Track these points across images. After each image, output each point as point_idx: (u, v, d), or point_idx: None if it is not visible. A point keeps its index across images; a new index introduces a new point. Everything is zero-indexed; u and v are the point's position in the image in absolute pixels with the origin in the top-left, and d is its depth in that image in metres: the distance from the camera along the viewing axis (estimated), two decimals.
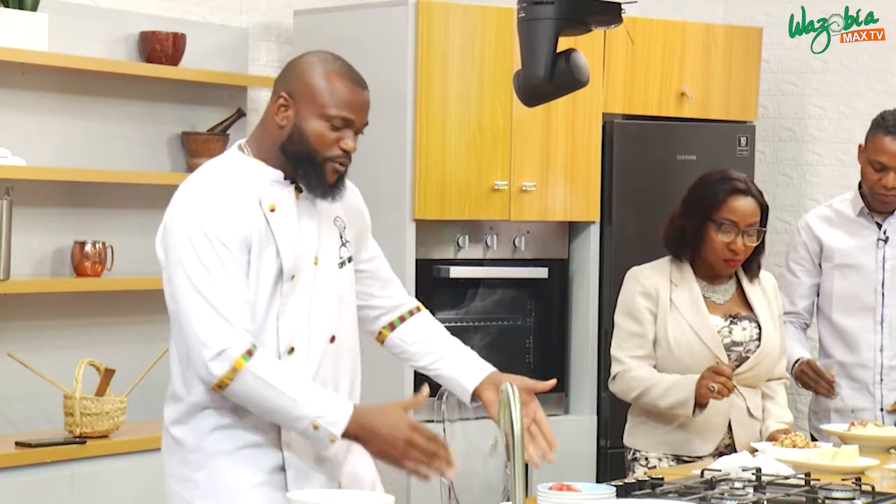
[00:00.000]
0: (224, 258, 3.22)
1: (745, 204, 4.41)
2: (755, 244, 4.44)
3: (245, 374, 3.18)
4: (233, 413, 3.30)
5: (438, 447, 3.24)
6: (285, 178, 3.34)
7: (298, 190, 3.35)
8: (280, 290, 3.28)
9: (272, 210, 3.29)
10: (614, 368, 4.46)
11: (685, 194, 4.53)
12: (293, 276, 3.29)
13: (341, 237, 3.43)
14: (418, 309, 3.67)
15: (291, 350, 3.30)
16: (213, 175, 3.34)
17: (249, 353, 3.19)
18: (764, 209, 4.45)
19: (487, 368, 3.63)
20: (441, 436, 3.31)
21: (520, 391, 3.19)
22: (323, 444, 3.25)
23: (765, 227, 4.45)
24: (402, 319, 3.64)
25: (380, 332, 3.64)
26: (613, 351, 4.47)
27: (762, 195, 4.48)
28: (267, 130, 3.36)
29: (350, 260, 3.46)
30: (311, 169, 3.30)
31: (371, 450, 3.27)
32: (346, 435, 3.22)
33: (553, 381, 3.55)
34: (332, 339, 3.38)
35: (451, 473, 3.26)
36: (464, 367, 3.61)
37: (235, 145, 3.41)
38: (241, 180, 3.31)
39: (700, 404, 4.29)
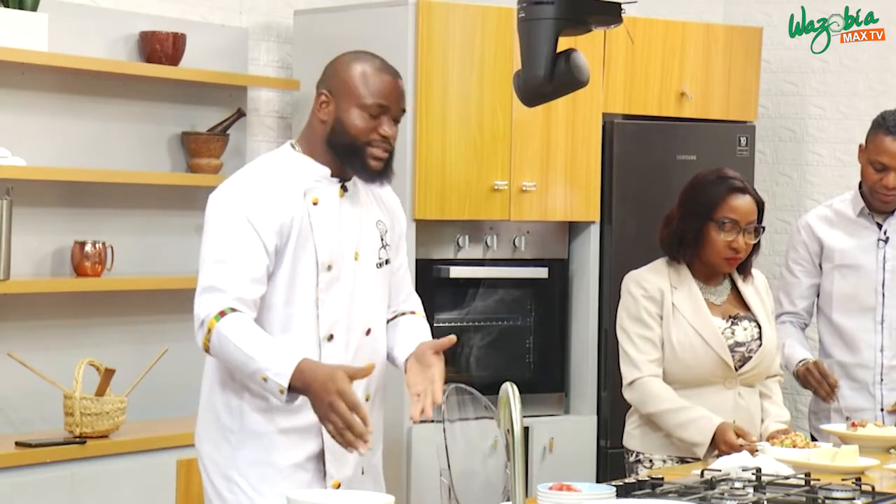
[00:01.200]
0: (245, 237, 3.41)
1: (744, 202, 4.42)
2: (755, 241, 4.44)
3: (214, 335, 3.37)
4: (273, 400, 3.43)
5: (353, 420, 3.27)
6: (332, 176, 3.56)
7: (344, 189, 3.57)
8: (318, 279, 3.48)
9: (315, 203, 3.51)
10: (631, 374, 4.42)
11: (680, 197, 4.52)
12: (330, 267, 3.49)
13: (382, 239, 3.65)
14: (412, 313, 3.81)
15: (331, 337, 3.50)
16: (262, 165, 3.57)
17: (222, 314, 3.37)
18: (761, 206, 4.46)
19: (415, 343, 3.68)
20: (364, 406, 3.34)
21: (425, 353, 3.49)
22: (278, 398, 3.35)
23: (762, 223, 4.46)
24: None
25: None
26: (631, 354, 4.42)
27: (757, 192, 4.49)
28: (313, 128, 3.59)
29: (388, 262, 3.67)
30: (354, 156, 3.52)
31: (311, 401, 3.35)
32: (293, 387, 3.32)
33: (452, 337, 3.59)
34: (369, 331, 3.59)
35: (362, 448, 3.29)
36: (403, 345, 3.69)
37: (287, 143, 3.64)
38: (289, 173, 3.53)
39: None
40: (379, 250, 3.64)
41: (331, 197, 3.55)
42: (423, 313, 3.84)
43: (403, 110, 3.59)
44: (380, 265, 3.63)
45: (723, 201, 4.42)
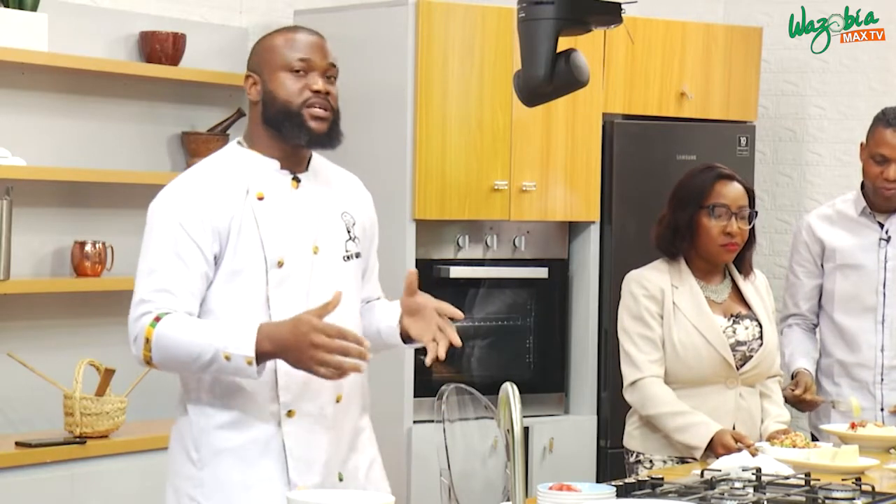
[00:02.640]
0: (178, 244, 3.29)
1: (732, 187, 4.45)
2: (748, 227, 4.45)
3: (155, 341, 3.25)
4: (233, 411, 3.34)
5: (344, 344, 3.17)
6: (282, 168, 3.42)
7: (296, 180, 3.43)
8: (268, 276, 3.33)
9: (260, 198, 3.36)
10: (632, 374, 4.41)
11: (671, 192, 4.54)
12: (281, 264, 3.34)
13: (349, 231, 3.49)
14: (377, 299, 3.68)
15: None
16: (202, 167, 3.44)
17: (157, 320, 3.25)
18: (751, 193, 4.48)
19: (393, 311, 3.58)
20: (348, 330, 3.22)
21: (408, 304, 3.42)
22: (248, 373, 3.22)
23: (754, 209, 4.47)
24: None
25: None
26: (632, 354, 4.42)
27: (746, 182, 4.52)
28: (251, 118, 3.46)
29: (358, 255, 3.52)
30: (291, 122, 3.37)
31: (289, 361, 3.24)
32: (262, 355, 3.21)
33: (413, 271, 3.53)
34: None
35: (364, 365, 3.22)
36: (387, 315, 3.58)
37: (234, 140, 3.51)
38: (231, 171, 3.39)
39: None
40: (346, 242, 3.47)
41: (280, 190, 3.39)
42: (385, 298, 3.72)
43: (333, 66, 3.42)
44: (347, 258, 3.48)
45: (711, 188, 4.44)
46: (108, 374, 4.86)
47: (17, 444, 4.68)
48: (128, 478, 4.78)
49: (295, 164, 3.45)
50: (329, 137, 3.41)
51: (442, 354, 3.37)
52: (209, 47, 5.52)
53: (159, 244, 3.31)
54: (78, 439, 4.75)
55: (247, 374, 3.23)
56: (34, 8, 4.91)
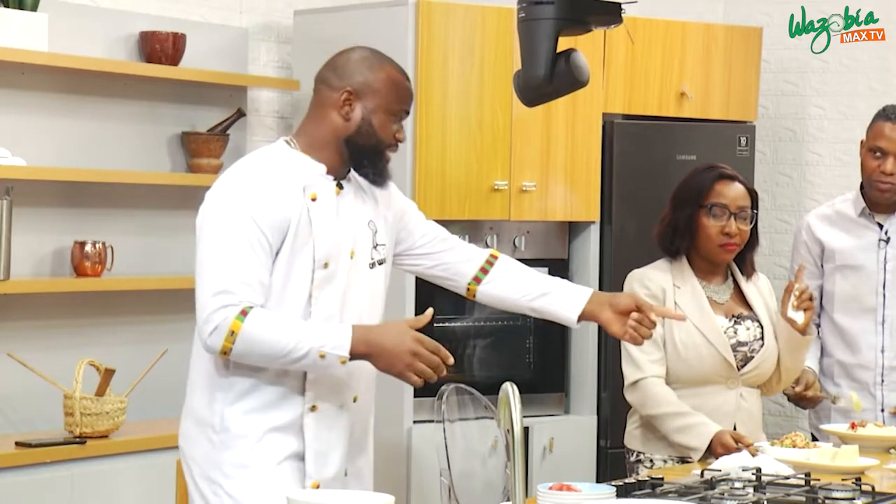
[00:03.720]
0: (252, 237, 3.39)
1: (732, 187, 4.45)
2: (748, 227, 4.45)
3: (244, 334, 3.34)
4: (260, 399, 3.44)
5: (438, 359, 3.40)
6: (328, 174, 3.52)
7: (339, 186, 3.54)
8: (314, 276, 3.44)
9: (314, 199, 3.47)
10: (633, 374, 4.41)
11: (673, 191, 4.54)
12: (326, 265, 3.46)
13: (373, 240, 3.61)
14: (494, 257, 3.84)
15: None
16: (259, 160, 3.52)
17: (244, 314, 3.35)
18: (753, 194, 4.48)
19: (584, 294, 3.79)
20: (443, 348, 3.45)
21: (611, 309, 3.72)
22: (337, 370, 3.40)
23: (756, 210, 4.47)
24: (484, 271, 3.82)
25: (468, 289, 3.83)
26: (633, 354, 4.41)
27: (749, 182, 4.51)
28: (323, 125, 3.54)
29: (381, 263, 3.64)
30: (374, 158, 3.54)
31: (378, 365, 3.43)
32: (355, 355, 3.37)
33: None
34: None
35: (444, 372, 3.45)
36: (562, 300, 3.79)
37: (281, 139, 3.58)
38: (286, 169, 3.48)
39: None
40: (371, 251, 3.60)
41: (329, 194, 3.51)
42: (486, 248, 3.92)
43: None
44: (372, 265, 3.60)
45: (711, 188, 4.44)
46: (108, 374, 4.86)
47: (17, 444, 4.68)
48: (128, 478, 4.78)
49: (339, 172, 3.56)
50: (388, 175, 3.62)
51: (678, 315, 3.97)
52: (209, 47, 5.52)
53: (230, 237, 3.39)
54: (78, 439, 4.75)
55: (335, 371, 3.41)
56: (34, 8, 4.91)
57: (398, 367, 3.40)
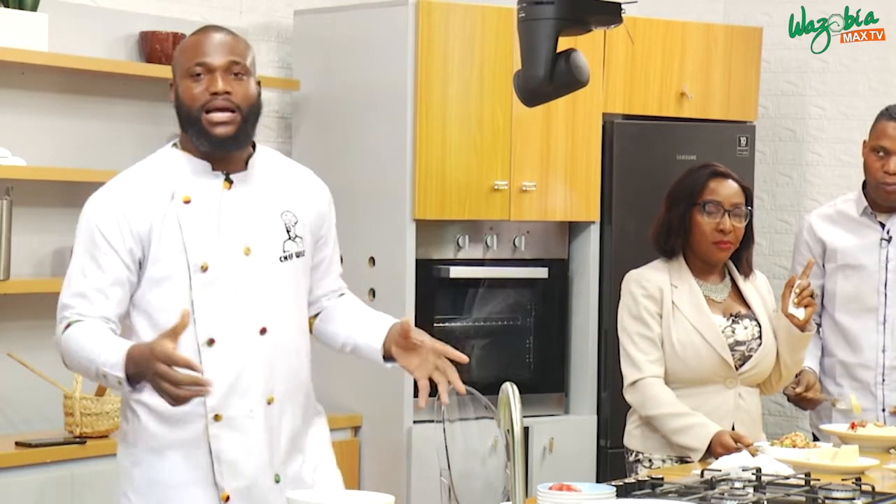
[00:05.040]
0: (98, 250, 3.31)
1: (726, 185, 4.45)
2: (743, 225, 4.45)
3: (60, 349, 3.30)
4: (165, 411, 3.31)
5: (176, 374, 3.07)
6: (215, 169, 3.39)
7: (228, 181, 3.39)
8: (192, 281, 3.31)
9: (186, 202, 3.34)
10: (633, 374, 4.41)
11: (668, 191, 4.54)
12: (205, 268, 3.32)
13: (288, 231, 3.44)
14: (340, 295, 3.64)
15: (211, 342, 3.32)
16: (133, 171, 3.44)
17: (68, 326, 3.28)
18: (747, 192, 4.48)
19: (386, 325, 3.54)
20: (183, 355, 3.13)
21: (406, 339, 3.36)
22: (125, 390, 3.24)
23: (751, 207, 4.47)
24: (321, 308, 3.62)
25: (309, 323, 3.60)
26: (632, 354, 4.41)
27: (743, 181, 4.51)
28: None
29: (299, 255, 3.46)
30: (194, 128, 3.34)
31: (148, 382, 3.18)
32: (131, 376, 3.18)
33: (405, 320, 3.47)
34: (263, 330, 3.38)
35: (206, 391, 3.15)
36: (369, 333, 3.53)
37: (170, 143, 3.47)
38: (160, 174, 3.38)
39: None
40: (284, 242, 3.41)
41: (209, 192, 3.35)
42: (347, 289, 3.67)
43: (237, 63, 3.33)
44: (285, 258, 3.41)
45: (704, 185, 4.44)
46: None
47: (17, 444, 4.68)
48: None
49: (228, 164, 3.40)
50: (235, 139, 3.35)
51: (444, 398, 3.35)
52: None
53: (79, 248, 3.35)
54: (78, 439, 4.75)
55: (125, 390, 3.26)
56: (34, 8, 4.91)
57: (157, 389, 3.13)
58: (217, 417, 3.34)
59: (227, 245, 3.35)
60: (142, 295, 3.35)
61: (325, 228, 3.56)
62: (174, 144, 3.44)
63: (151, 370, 3.10)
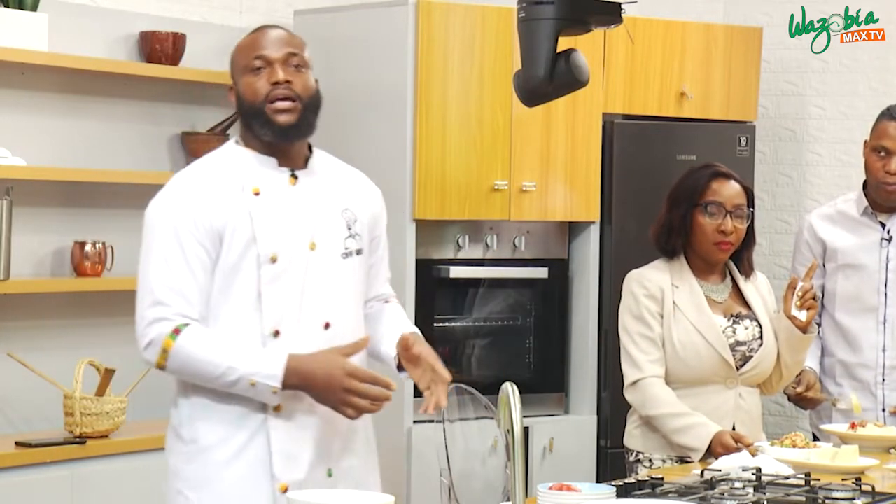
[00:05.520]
0: (184, 247, 3.31)
1: (728, 186, 4.45)
2: (744, 226, 4.45)
3: (174, 353, 3.29)
4: (223, 404, 3.35)
5: (376, 390, 3.28)
6: (280, 165, 3.43)
7: (294, 177, 3.43)
8: (261, 272, 3.33)
9: (256, 194, 3.37)
10: (633, 374, 4.41)
11: (669, 191, 4.54)
12: (274, 260, 3.35)
13: (349, 228, 3.48)
14: (385, 301, 3.68)
15: (276, 333, 3.35)
16: (198, 166, 3.46)
17: (176, 332, 3.28)
18: (749, 193, 4.48)
19: (397, 335, 3.56)
20: (380, 377, 3.31)
21: (407, 354, 3.40)
22: (270, 400, 3.30)
23: (752, 208, 4.47)
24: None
25: None
26: (632, 354, 4.41)
27: (745, 181, 4.51)
28: (240, 122, 3.49)
29: (359, 252, 3.50)
30: (258, 119, 3.39)
31: (313, 396, 3.31)
32: (287, 386, 3.28)
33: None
34: (327, 325, 3.42)
35: (388, 397, 3.32)
36: (389, 342, 3.57)
37: (232, 139, 3.52)
38: (227, 169, 3.41)
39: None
40: (345, 240, 3.46)
41: (277, 186, 3.40)
42: (395, 297, 3.71)
43: (294, 54, 3.41)
44: (347, 255, 3.46)
45: (706, 186, 4.44)
46: (108, 374, 4.86)
47: (17, 444, 4.68)
48: (128, 478, 4.78)
49: (291, 161, 3.45)
50: (298, 128, 3.41)
51: (430, 410, 3.40)
52: (209, 47, 5.52)
53: (166, 248, 3.32)
54: (78, 439, 4.75)
55: (267, 400, 3.31)
56: (34, 8, 4.91)
57: (332, 402, 3.29)
58: (277, 409, 3.37)
59: (295, 238, 3.39)
60: (213, 288, 3.36)
61: (379, 229, 3.62)
62: (236, 141, 3.49)
63: (339, 386, 3.26)
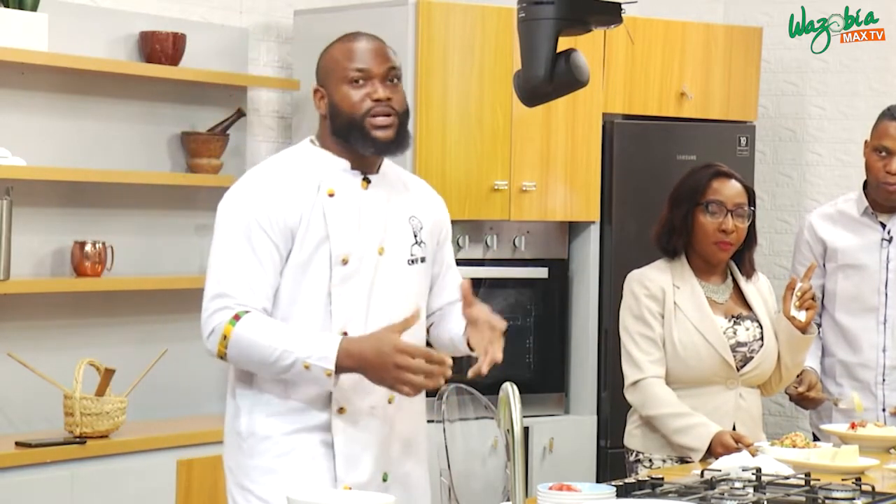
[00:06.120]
0: (254, 241, 3.33)
1: (729, 185, 4.45)
2: (745, 225, 4.45)
3: (233, 339, 3.29)
4: (287, 403, 3.38)
5: (428, 366, 3.24)
6: (353, 168, 3.45)
7: (367, 181, 3.46)
8: (332, 273, 3.36)
9: (331, 195, 3.40)
10: (634, 374, 4.41)
11: (671, 191, 4.54)
12: (345, 261, 3.38)
13: (415, 236, 3.52)
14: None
15: (344, 334, 3.36)
16: (274, 163, 3.48)
17: (236, 318, 3.29)
18: (750, 193, 4.48)
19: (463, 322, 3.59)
20: (434, 352, 3.29)
21: (468, 316, 3.39)
22: (324, 383, 3.29)
23: (754, 208, 4.47)
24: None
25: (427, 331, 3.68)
26: (633, 354, 4.41)
27: (746, 181, 4.51)
28: (321, 125, 3.50)
29: (423, 260, 3.53)
30: (356, 133, 3.41)
31: (369, 378, 3.30)
32: (341, 368, 3.27)
33: (465, 282, 3.48)
34: None
35: (447, 371, 3.27)
36: (455, 324, 3.59)
37: (307, 139, 3.53)
38: (303, 168, 3.43)
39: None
40: (412, 246, 3.50)
41: (351, 189, 3.42)
42: None
43: (394, 69, 3.44)
44: (412, 262, 3.49)
45: (707, 185, 4.44)
46: (108, 374, 4.86)
47: (17, 444, 4.68)
48: (128, 478, 4.78)
49: (366, 166, 3.48)
50: (396, 143, 3.44)
51: (484, 370, 3.36)
52: (209, 47, 5.52)
53: (235, 241, 3.35)
54: (78, 439, 4.75)
55: (323, 384, 3.31)
56: (34, 8, 4.91)
57: (388, 381, 3.27)
58: (341, 410, 3.38)
59: (366, 242, 3.42)
60: (282, 283, 3.38)
61: (444, 237, 3.64)
62: (311, 141, 3.51)
63: (391, 363, 3.22)
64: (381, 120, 3.40)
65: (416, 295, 3.52)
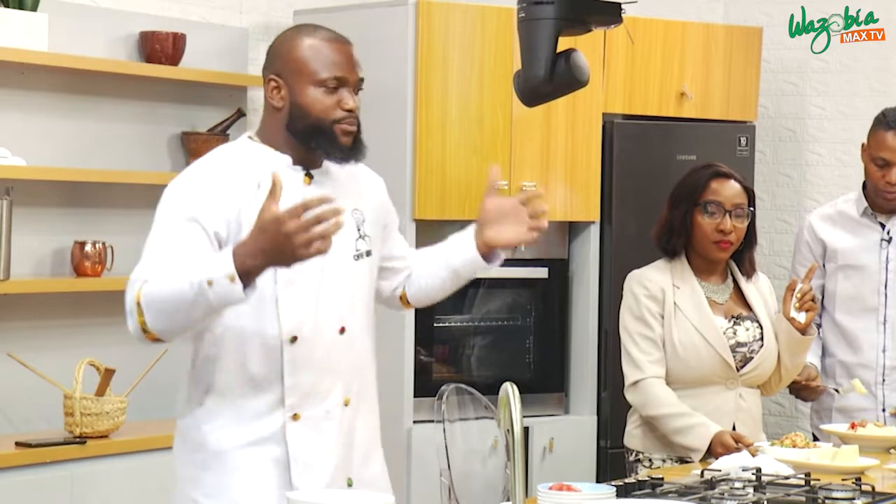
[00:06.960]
0: (190, 233, 3.20)
1: (728, 185, 4.46)
2: (744, 225, 4.45)
3: (145, 303, 3.10)
4: (238, 412, 3.29)
5: (316, 212, 2.99)
6: (295, 164, 3.35)
7: (309, 176, 3.36)
8: (276, 275, 3.24)
9: None
10: (634, 375, 4.42)
11: (671, 191, 4.55)
12: None
13: (359, 230, 3.43)
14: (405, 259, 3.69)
15: (294, 339, 3.28)
16: (212, 158, 3.36)
17: (144, 283, 3.13)
18: (749, 193, 4.48)
19: (468, 234, 3.64)
20: (310, 197, 3.04)
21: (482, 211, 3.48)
22: (235, 294, 3.04)
23: (753, 208, 4.47)
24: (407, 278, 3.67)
25: (400, 299, 3.67)
26: (633, 354, 4.42)
27: (746, 181, 4.51)
28: (270, 117, 3.37)
29: (368, 254, 3.44)
30: (322, 138, 3.32)
31: (279, 263, 3.07)
32: (247, 273, 3.03)
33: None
34: (342, 330, 3.36)
35: (342, 219, 3.07)
36: (458, 251, 3.63)
37: (245, 135, 3.43)
38: (242, 164, 3.31)
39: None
40: (356, 241, 3.39)
41: (291, 186, 3.25)
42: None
43: (361, 80, 3.40)
44: (358, 257, 3.40)
45: (706, 185, 4.45)
46: (108, 374, 4.86)
47: (17, 444, 4.68)
48: (128, 478, 4.78)
49: (308, 161, 3.37)
50: (355, 151, 3.38)
51: (534, 236, 3.46)
52: (209, 47, 5.52)
53: (162, 226, 3.24)
54: (78, 439, 4.75)
55: (235, 296, 3.05)
56: (34, 8, 4.91)
57: (292, 254, 3.00)
58: (295, 417, 3.30)
59: None
60: None
61: (389, 218, 3.60)
62: (249, 137, 3.40)
63: (281, 235, 2.97)
64: (347, 127, 3.34)
65: (364, 291, 3.43)
